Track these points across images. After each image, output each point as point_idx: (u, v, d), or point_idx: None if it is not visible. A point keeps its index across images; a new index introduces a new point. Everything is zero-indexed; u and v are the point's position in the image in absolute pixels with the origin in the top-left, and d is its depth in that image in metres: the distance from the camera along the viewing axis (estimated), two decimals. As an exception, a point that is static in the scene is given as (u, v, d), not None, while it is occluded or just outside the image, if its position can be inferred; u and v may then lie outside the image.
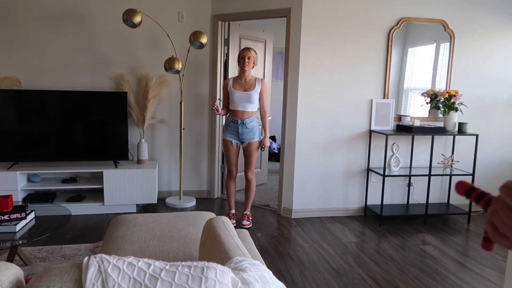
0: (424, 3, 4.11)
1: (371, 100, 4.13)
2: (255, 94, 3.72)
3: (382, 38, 4.08)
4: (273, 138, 7.29)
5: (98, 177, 4.30)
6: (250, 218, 3.90)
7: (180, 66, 4.09)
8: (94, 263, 1.06)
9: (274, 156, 6.99)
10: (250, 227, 3.83)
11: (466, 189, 0.57)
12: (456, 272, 3.00)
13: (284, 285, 1.24)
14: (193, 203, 4.43)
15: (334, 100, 4.07)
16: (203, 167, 4.71)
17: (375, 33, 4.05)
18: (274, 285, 1.20)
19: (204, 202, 4.55)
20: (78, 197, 4.15)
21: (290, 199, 4.14)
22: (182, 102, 4.31)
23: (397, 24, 4.08)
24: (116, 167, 4.09)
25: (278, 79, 7.07)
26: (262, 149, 3.81)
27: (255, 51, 3.78)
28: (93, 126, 4.10)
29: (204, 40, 4.04)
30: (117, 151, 4.17)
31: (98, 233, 3.53)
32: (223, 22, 4.52)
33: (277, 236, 3.62)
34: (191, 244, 2.01)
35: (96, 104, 4.08)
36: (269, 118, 5.01)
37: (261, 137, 3.84)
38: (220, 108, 3.73)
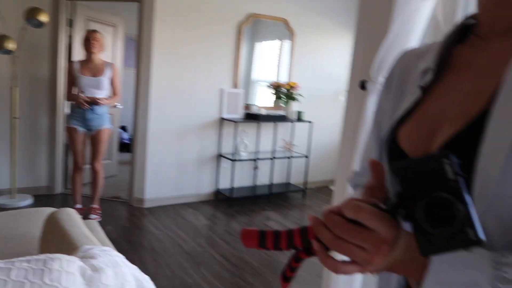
0: (269, 0, 4.47)
1: (223, 90, 4.32)
2: (104, 80, 3.50)
3: (233, 31, 4.29)
4: (124, 128, 6.95)
5: None
6: (98, 211, 3.68)
7: (13, 45, 3.55)
8: None
9: (125, 147, 6.68)
10: (98, 221, 3.61)
11: (257, 239, 0.51)
12: (294, 242, 3.43)
13: (137, 268, 1.24)
14: (29, 201, 3.93)
15: (187, 89, 4.12)
16: (41, 160, 4.21)
17: (227, 26, 4.24)
18: (127, 268, 1.19)
19: (43, 199, 4.08)
20: None
21: (142, 188, 4.05)
22: (15, 87, 3.75)
23: (246, 19, 4.34)
24: None
25: (130, 67, 6.74)
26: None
27: (102, 34, 3.54)
28: None
29: (43, 18, 3.58)
30: None
31: None
32: (67, 1, 4.09)
33: (129, 227, 3.51)
34: (30, 244, 1.82)
35: None
36: (119, 106, 4.78)
37: (111, 125, 3.64)
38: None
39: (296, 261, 0.54)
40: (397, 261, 0.47)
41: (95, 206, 3.66)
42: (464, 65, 0.61)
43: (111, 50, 4.78)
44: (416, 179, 0.43)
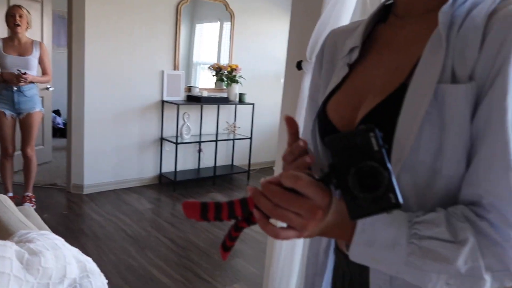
0: (207, -19, 4.40)
1: (163, 71, 4.23)
2: (33, 60, 3.28)
3: (172, 11, 4.18)
4: (57, 112, 6.56)
5: None
6: (33, 199, 3.49)
7: None
8: None
9: (60, 132, 6.33)
10: (34, 209, 3.43)
11: (199, 210, 0.52)
12: (239, 221, 3.51)
13: (78, 250, 1.23)
14: (-48, 190, 3.63)
15: (125, 70, 3.97)
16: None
17: (165, 5, 4.12)
18: (68, 251, 1.17)
19: (-32, 188, 3.78)
20: None
21: (81, 174, 3.89)
22: None
23: (184, -2, 4.25)
24: None
25: (61, 47, 6.34)
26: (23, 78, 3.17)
27: (28, 11, 3.29)
28: None
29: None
30: None
31: None
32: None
33: (68, 215, 3.38)
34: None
35: None
36: (51, 89, 4.51)
37: (42, 108, 3.43)
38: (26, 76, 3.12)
39: (236, 230, 0.56)
40: (329, 226, 0.52)
41: (29, 194, 3.46)
42: (385, 43, 0.67)
43: (39, 28, 4.47)
44: (346, 151, 0.47)
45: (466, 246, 0.48)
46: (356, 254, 0.53)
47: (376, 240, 0.51)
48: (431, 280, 0.50)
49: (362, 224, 0.51)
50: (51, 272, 1.08)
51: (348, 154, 0.47)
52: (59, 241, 1.20)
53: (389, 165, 0.46)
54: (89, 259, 1.24)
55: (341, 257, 0.71)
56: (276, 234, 0.51)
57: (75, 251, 1.21)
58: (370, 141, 0.46)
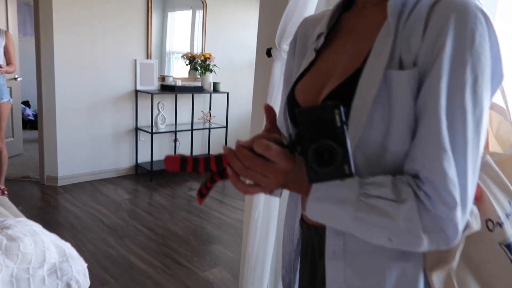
0: (178, -31, 4.35)
1: (135, 60, 4.19)
2: (-2, 49, 3.20)
3: (142, -2, 4.13)
4: (26, 103, 6.40)
5: None
6: (6, 192, 3.43)
7: None
8: None
9: (30, 124, 6.18)
10: (7, 199, 3.38)
11: (179, 163, 0.60)
12: (216, 208, 3.56)
13: (57, 235, 1.25)
14: None
15: (96, 59, 3.91)
16: None
17: (134, -7, 4.07)
18: (46, 237, 1.20)
19: None
20: None
21: (54, 166, 3.84)
22: None
23: (155, -14, 4.20)
24: None
25: (27, 35, 6.14)
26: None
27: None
28: None
29: None
30: None
31: None
32: None
33: (43, 207, 3.35)
34: None
35: None
36: (19, 79, 4.40)
37: (11, 98, 3.36)
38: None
39: (211, 181, 0.66)
40: (290, 182, 0.60)
41: (1, 186, 3.41)
42: (349, 31, 0.73)
43: (4, 16, 4.33)
44: (312, 123, 0.53)
45: (405, 205, 0.54)
46: (311, 209, 0.61)
47: (329, 197, 0.58)
48: (375, 234, 0.57)
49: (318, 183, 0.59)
50: (31, 257, 1.11)
51: (313, 126, 0.53)
52: (37, 227, 1.22)
53: (348, 141, 0.52)
54: (68, 245, 1.27)
55: (305, 227, 0.78)
56: (245, 189, 0.60)
57: (53, 237, 1.24)
58: (334, 117, 0.52)
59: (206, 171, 0.62)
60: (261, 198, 1.66)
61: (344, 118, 0.52)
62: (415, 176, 0.56)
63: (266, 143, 0.56)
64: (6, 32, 3.34)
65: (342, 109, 0.52)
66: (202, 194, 0.67)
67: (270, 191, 0.61)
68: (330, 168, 0.52)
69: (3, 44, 3.25)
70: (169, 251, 2.73)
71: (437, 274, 0.60)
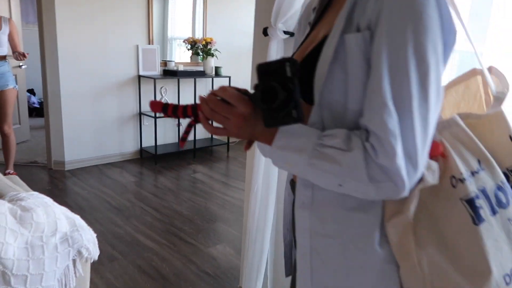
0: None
1: (137, 46, 4.23)
2: (2, 37, 3.25)
3: (142, -17, 4.15)
4: (31, 91, 6.47)
5: None
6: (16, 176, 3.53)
7: None
8: None
9: (36, 111, 6.27)
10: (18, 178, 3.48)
11: (161, 106, 0.71)
12: (220, 189, 3.65)
13: (67, 209, 1.33)
14: None
15: (99, 46, 3.96)
16: None
17: (134, -22, 4.09)
18: (58, 208, 1.28)
19: None
20: None
21: (61, 151, 3.93)
22: None
23: (154, -30, 4.21)
24: None
25: (30, 24, 6.19)
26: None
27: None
28: None
29: None
30: None
31: None
32: None
33: (51, 189, 3.45)
34: None
35: None
36: (23, 66, 4.46)
37: (16, 85, 3.43)
38: None
39: (189, 126, 0.76)
40: (256, 132, 0.67)
41: (11, 171, 3.51)
42: (335, 3, 0.79)
43: (7, 4, 4.37)
44: (268, 75, 0.61)
45: (352, 153, 0.60)
46: (274, 157, 0.69)
47: (289, 145, 0.65)
48: (327, 180, 0.64)
49: (280, 133, 0.66)
50: (43, 226, 1.19)
51: (269, 77, 0.61)
52: (49, 200, 1.30)
53: (297, 89, 0.60)
54: (78, 217, 1.35)
55: (289, 188, 0.86)
56: (212, 130, 0.69)
57: (64, 209, 1.32)
58: (285, 68, 0.60)
59: (184, 116, 0.72)
60: (260, 172, 1.72)
61: (296, 72, 0.60)
62: (365, 130, 0.61)
63: (223, 86, 0.66)
64: (10, 19, 3.39)
65: (295, 63, 0.60)
66: (183, 138, 0.77)
67: (235, 133, 0.68)
68: (273, 107, 0.60)
69: (8, 31, 3.30)
70: (174, 229, 2.83)
71: (393, 225, 0.64)
